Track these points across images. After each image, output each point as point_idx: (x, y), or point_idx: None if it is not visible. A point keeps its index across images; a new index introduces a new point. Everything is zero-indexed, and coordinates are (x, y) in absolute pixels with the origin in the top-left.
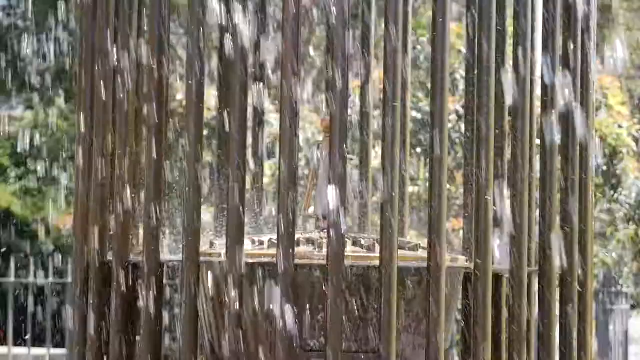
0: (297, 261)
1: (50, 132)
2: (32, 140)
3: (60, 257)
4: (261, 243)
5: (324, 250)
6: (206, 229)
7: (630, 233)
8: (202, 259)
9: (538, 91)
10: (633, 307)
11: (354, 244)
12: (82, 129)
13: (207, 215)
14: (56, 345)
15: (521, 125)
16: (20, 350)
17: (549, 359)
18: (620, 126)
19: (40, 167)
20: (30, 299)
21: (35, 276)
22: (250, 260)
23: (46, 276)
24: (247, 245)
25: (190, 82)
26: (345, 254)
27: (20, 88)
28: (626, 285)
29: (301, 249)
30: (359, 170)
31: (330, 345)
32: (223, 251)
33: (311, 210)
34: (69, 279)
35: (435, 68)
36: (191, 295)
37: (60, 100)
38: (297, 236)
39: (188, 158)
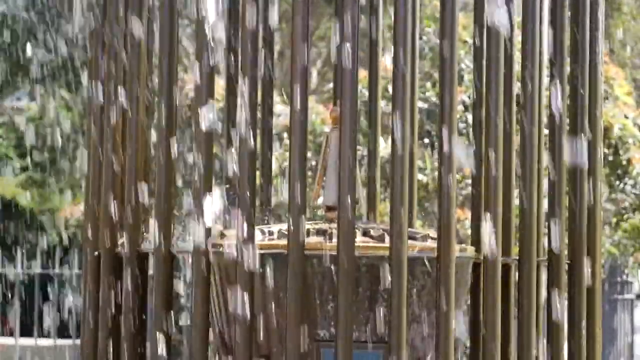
0: (307, 251)
1: (55, 122)
2: (37, 131)
3: (66, 247)
4: (271, 234)
5: (334, 240)
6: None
7: (635, 223)
8: (212, 249)
9: (545, 81)
10: (638, 296)
11: (364, 234)
12: (93, 119)
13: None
14: (62, 336)
15: (529, 116)
16: (27, 341)
17: (557, 349)
18: (626, 116)
19: (45, 158)
20: (37, 290)
21: (41, 267)
22: (260, 251)
23: (52, 267)
24: (257, 236)
25: (199, 71)
26: (355, 244)
27: (25, 79)
28: (632, 275)
29: (311, 240)
30: (367, 160)
31: (341, 335)
32: (233, 242)
33: (320, 200)
34: (75, 270)
35: (443, 59)
36: (202, 286)
37: (65, 92)
38: (307, 227)
39: (197, 148)
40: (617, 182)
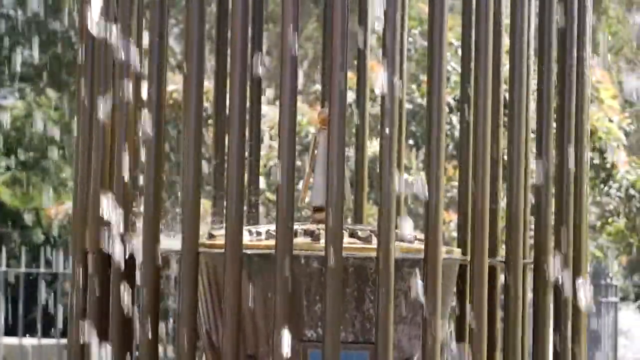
0: (295, 252)
1: (42, 121)
2: (22, 129)
3: (50, 246)
4: (259, 234)
5: (322, 241)
6: (205, 220)
7: (620, 226)
8: (201, 249)
9: (533, 83)
10: (622, 299)
11: (351, 235)
12: (82, 117)
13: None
14: (46, 335)
15: (517, 118)
16: (11, 340)
17: (543, 350)
18: (610, 120)
19: (30, 157)
20: (21, 289)
21: (25, 266)
22: (248, 251)
23: (37, 266)
24: (245, 236)
25: (189, 71)
26: (343, 245)
27: (11, 77)
28: (615, 278)
29: (299, 240)
30: (354, 161)
31: (328, 336)
32: (222, 242)
33: (307, 200)
34: (60, 269)
35: (432, 61)
36: (190, 286)
37: (52, 91)
38: (295, 227)
39: (187, 147)
40: (602, 186)
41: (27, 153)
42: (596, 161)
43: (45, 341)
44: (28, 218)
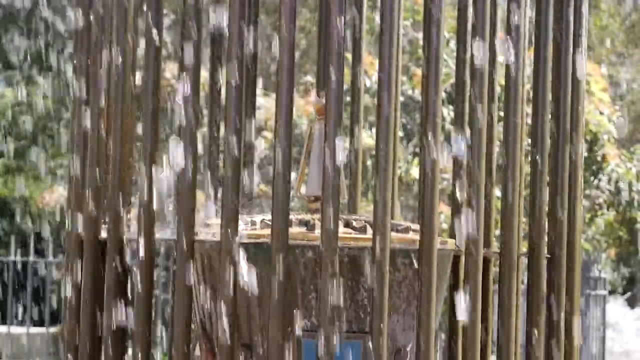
0: (290, 242)
1: (31, 109)
2: (12, 117)
3: (40, 235)
4: (254, 223)
5: (317, 231)
6: (199, 209)
7: (609, 219)
8: (196, 238)
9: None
10: (610, 292)
11: (346, 225)
12: (78, 105)
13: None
14: (35, 324)
15: (512, 110)
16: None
17: (536, 343)
18: (601, 113)
19: (20, 145)
20: (10, 278)
21: (15, 255)
22: (243, 240)
23: (26, 254)
24: (240, 226)
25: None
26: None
27: (1, 65)
28: (604, 271)
29: (294, 230)
30: (349, 151)
31: (322, 325)
32: (217, 231)
33: (303, 190)
34: (50, 258)
35: (429, 54)
36: (185, 275)
37: (41, 78)
38: (290, 217)
39: (183, 135)
40: (592, 178)
41: (17, 141)
42: (586, 154)
43: (34, 330)
44: (17, 207)
